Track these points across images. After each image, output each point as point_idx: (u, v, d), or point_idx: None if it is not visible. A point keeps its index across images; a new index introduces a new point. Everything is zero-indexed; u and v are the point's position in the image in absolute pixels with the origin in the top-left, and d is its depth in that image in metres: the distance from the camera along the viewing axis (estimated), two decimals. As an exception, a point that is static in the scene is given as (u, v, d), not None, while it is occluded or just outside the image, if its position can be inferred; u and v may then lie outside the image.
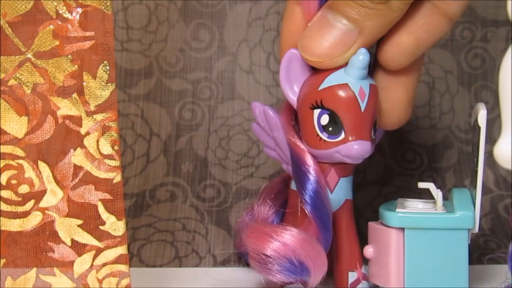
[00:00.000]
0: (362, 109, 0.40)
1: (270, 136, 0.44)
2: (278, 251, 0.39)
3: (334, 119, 0.40)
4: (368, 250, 0.43)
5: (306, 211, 0.40)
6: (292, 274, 0.40)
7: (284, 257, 0.39)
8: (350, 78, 0.40)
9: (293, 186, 0.44)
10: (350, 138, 0.40)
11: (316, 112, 0.40)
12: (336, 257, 0.43)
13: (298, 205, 0.44)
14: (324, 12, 0.40)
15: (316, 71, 0.41)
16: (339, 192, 0.42)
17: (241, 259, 0.48)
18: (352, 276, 0.43)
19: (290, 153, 0.42)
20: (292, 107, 0.42)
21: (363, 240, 0.44)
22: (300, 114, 0.42)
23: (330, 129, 0.40)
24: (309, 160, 0.41)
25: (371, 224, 0.44)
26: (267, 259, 0.40)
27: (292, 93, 0.42)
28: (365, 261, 0.44)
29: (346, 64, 0.40)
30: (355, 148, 0.40)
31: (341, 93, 0.40)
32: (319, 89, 0.40)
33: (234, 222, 0.54)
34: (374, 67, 0.43)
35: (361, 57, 0.39)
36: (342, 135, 0.40)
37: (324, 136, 0.40)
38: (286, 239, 0.40)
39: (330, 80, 0.40)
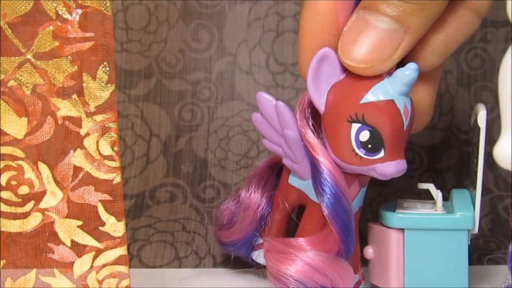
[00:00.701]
0: (405, 127, 0.38)
1: (278, 133, 0.42)
2: (305, 273, 0.38)
3: (375, 137, 0.37)
4: (368, 251, 0.43)
5: (325, 216, 0.39)
6: None
7: (312, 279, 0.38)
8: (395, 94, 0.37)
9: (291, 181, 0.43)
10: (389, 158, 0.38)
11: (355, 126, 0.38)
12: None
13: (293, 201, 0.43)
14: (362, 14, 0.37)
15: (354, 78, 0.38)
16: (357, 202, 0.41)
17: (224, 248, 0.48)
18: (355, 278, 0.43)
19: (310, 159, 0.40)
20: (309, 106, 0.40)
21: (362, 240, 0.44)
22: (330, 123, 0.39)
23: (370, 146, 0.38)
24: (331, 167, 0.39)
25: (371, 225, 0.44)
26: (294, 282, 0.39)
27: (320, 96, 0.39)
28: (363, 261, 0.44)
29: (390, 71, 0.37)
30: (393, 168, 0.38)
31: (387, 111, 0.37)
32: (361, 102, 0.37)
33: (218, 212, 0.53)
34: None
35: (408, 73, 0.37)
36: (381, 154, 0.38)
37: (361, 152, 0.38)
38: (310, 259, 0.39)
39: (374, 94, 0.37)
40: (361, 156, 0.38)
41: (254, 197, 0.45)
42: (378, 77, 0.37)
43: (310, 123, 0.40)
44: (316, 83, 0.39)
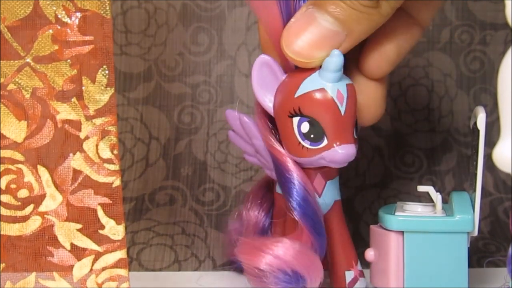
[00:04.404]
0: (342, 112, 0.39)
1: (249, 143, 0.44)
2: (272, 264, 0.39)
3: (315, 126, 0.39)
4: (369, 253, 0.43)
5: (296, 218, 0.40)
6: (288, 284, 0.39)
7: (278, 269, 0.39)
8: (326, 82, 0.39)
9: (278, 189, 0.44)
10: (334, 144, 0.39)
11: (295, 120, 0.39)
12: (331, 259, 0.43)
13: (285, 210, 0.43)
14: (311, 9, 0.39)
15: (290, 76, 0.40)
16: (327, 196, 0.42)
17: (237, 267, 0.48)
18: (349, 275, 0.43)
19: (272, 160, 0.41)
20: (267, 112, 0.41)
21: (362, 243, 0.44)
22: (278, 122, 0.41)
23: (312, 136, 0.39)
24: (292, 166, 0.40)
25: (373, 228, 0.44)
26: (262, 273, 0.39)
27: (268, 100, 0.41)
28: (362, 261, 0.44)
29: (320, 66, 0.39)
30: (340, 153, 0.39)
31: (319, 99, 0.39)
32: (296, 96, 0.39)
33: (225, 232, 0.54)
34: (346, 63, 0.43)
35: (335, 59, 0.38)
36: (325, 141, 0.39)
37: (306, 144, 0.39)
38: (278, 252, 0.39)
39: (306, 86, 0.39)
40: (307, 148, 0.39)
41: (253, 214, 0.46)
42: (310, 70, 0.39)
43: (270, 128, 0.41)
44: (262, 89, 0.41)
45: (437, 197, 0.42)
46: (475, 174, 0.42)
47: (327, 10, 0.38)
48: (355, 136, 0.40)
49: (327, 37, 0.38)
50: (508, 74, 0.32)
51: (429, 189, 0.43)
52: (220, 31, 0.60)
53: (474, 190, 0.42)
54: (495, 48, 0.59)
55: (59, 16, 0.37)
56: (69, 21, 0.37)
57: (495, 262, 0.49)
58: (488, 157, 0.51)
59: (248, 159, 0.45)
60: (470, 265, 0.42)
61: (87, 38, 0.37)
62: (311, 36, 0.38)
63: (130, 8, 0.60)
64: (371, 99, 0.43)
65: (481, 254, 0.50)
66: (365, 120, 0.43)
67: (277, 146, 0.41)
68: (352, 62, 0.42)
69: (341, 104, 0.39)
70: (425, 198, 0.44)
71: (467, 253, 0.41)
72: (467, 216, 0.41)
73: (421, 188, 0.43)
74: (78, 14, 0.37)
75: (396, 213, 0.42)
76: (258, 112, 0.42)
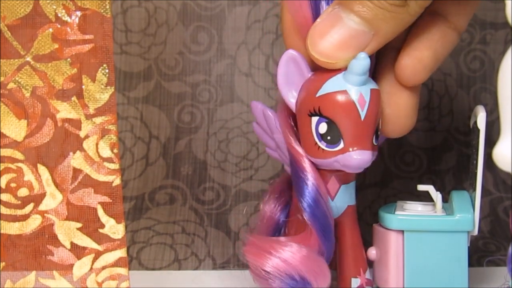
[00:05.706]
0: (362, 117, 0.38)
1: (271, 137, 0.43)
2: (278, 268, 0.39)
3: (333, 128, 0.38)
4: (371, 252, 0.43)
5: (306, 220, 0.39)
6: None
7: (285, 273, 0.39)
8: (349, 85, 0.38)
9: None
10: (350, 148, 0.38)
11: (314, 119, 0.39)
12: (340, 263, 0.43)
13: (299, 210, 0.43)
14: (337, 9, 0.38)
15: (315, 74, 0.40)
16: (340, 199, 0.41)
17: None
18: (354, 283, 0.42)
19: (289, 157, 0.41)
20: (290, 109, 0.41)
21: (365, 243, 0.44)
22: (298, 120, 0.40)
23: (329, 138, 0.38)
24: (308, 166, 0.40)
25: (376, 226, 0.44)
26: (268, 275, 0.39)
27: (291, 97, 0.40)
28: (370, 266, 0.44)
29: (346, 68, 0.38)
30: (355, 159, 0.38)
31: (340, 101, 0.38)
32: (317, 95, 0.38)
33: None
34: (375, 71, 0.42)
35: (361, 62, 0.37)
36: (341, 145, 0.38)
37: (322, 145, 0.39)
38: (285, 256, 0.39)
39: (329, 86, 0.38)
40: (323, 149, 0.39)
41: (268, 207, 0.45)
42: (335, 71, 0.38)
43: (291, 126, 0.41)
44: (287, 85, 0.40)
45: (437, 196, 0.42)
46: (475, 173, 0.42)
47: (353, 9, 0.37)
48: (375, 143, 0.39)
49: (353, 37, 0.37)
50: (508, 73, 0.32)
51: (429, 188, 0.43)
52: (220, 30, 0.60)
53: (474, 189, 0.42)
54: (495, 48, 0.59)
55: (59, 15, 0.37)
56: (69, 20, 0.37)
57: (495, 261, 0.49)
58: (488, 156, 0.51)
59: (269, 153, 0.45)
60: (470, 264, 0.42)
61: (87, 37, 0.37)
62: (336, 36, 0.38)
63: (130, 7, 0.60)
64: (402, 109, 0.41)
65: (481, 253, 0.50)
66: (394, 132, 0.42)
67: (296, 144, 0.40)
68: (385, 70, 0.41)
69: (362, 108, 0.38)
70: (425, 197, 0.44)
71: (467, 252, 0.41)
72: (467, 215, 0.41)
73: (421, 187, 0.43)
74: (78, 13, 0.37)
75: (396, 212, 0.42)
76: (281, 107, 0.41)
